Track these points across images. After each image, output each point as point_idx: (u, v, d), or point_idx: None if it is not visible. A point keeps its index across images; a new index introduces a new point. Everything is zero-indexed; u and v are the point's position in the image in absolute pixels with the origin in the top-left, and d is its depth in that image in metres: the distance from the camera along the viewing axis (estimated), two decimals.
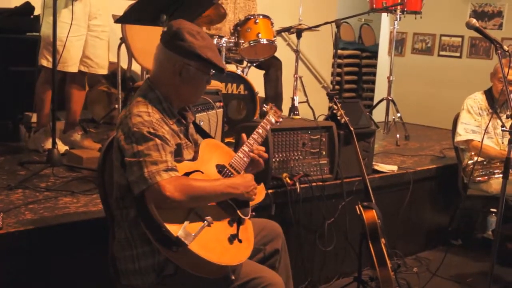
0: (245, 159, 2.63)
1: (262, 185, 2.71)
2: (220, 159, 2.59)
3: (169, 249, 2.22)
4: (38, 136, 4.25)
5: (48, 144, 3.95)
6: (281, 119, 3.03)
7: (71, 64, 4.17)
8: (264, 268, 2.59)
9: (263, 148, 2.73)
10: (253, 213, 2.56)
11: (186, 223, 2.24)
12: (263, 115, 2.98)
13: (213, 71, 2.54)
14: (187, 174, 2.38)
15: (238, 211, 2.47)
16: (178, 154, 2.44)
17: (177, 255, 2.23)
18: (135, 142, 2.29)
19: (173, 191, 2.22)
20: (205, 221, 2.30)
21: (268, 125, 2.90)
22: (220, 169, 2.54)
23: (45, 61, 4.09)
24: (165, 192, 2.21)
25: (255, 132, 2.75)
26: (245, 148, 2.66)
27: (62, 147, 4.19)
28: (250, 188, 2.49)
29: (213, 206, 2.40)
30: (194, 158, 2.53)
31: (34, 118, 4.72)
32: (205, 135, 2.76)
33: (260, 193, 2.64)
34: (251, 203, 2.55)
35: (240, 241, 2.40)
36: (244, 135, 2.73)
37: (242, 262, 2.39)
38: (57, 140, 4.22)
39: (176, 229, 2.20)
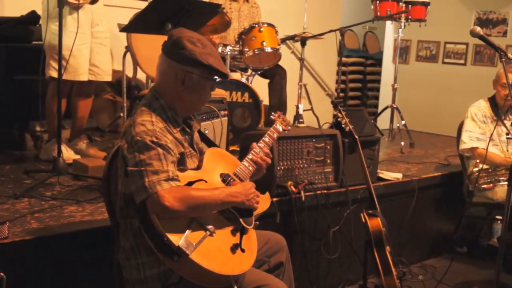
0: (250, 168, 2.62)
1: (267, 194, 2.71)
2: (225, 168, 2.58)
3: (170, 258, 2.22)
4: (50, 146, 4.22)
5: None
6: (289, 128, 3.01)
7: (81, 72, 4.16)
8: (269, 276, 2.58)
9: (269, 152, 2.70)
10: (257, 223, 2.55)
11: (187, 232, 2.24)
12: (271, 123, 2.97)
13: (217, 78, 2.53)
14: (190, 183, 2.37)
15: (241, 220, 2.46)
16: (181, 163, 2.44)
17: (178, 264, 2.23)
18: (137, 151, 2.29)
19: (172, 201, 2.21)
20: (207, 231, 2.30)
21: (275, 133, 2.86)
22: (225, 178, 2.53)
23: (54, 72, 4.00)
24: (164, 202, 2.20)
25: (261, 141, 2.73)
26: (250, 157, 2.65)
27: (72, 156, 4.20)
28: (251, 196, 2.48)
29: (216, 215, 2.39)
30: (198, 167, 2.53)
31: (39, 127, 4.74)
32: (210, 144, 2.76)
33: (265, 202, 2.64)
34: (255, 212, 2.54)
35: (242, 250, 2.40)
36: (254, 144, 2.71)
37: (244, 271, 2.38)
38: (68, 149, 4.25)
39: (177, 239, 2.20)
